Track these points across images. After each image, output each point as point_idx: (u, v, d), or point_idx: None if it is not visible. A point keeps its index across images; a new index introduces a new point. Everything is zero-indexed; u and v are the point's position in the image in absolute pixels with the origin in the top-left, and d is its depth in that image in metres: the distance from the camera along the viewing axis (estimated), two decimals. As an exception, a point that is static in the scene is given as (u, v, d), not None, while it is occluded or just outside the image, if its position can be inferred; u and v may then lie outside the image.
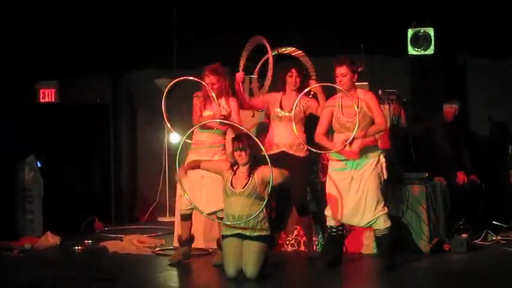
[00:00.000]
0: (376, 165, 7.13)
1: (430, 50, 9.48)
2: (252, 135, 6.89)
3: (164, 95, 7.28)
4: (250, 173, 6.81)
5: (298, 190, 7.70)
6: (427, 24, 9.48)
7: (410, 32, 9.52)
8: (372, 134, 7.13)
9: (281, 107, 7.71)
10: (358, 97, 7.14)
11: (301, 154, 7.65)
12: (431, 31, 9.46)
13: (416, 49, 9.54)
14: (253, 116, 8.40)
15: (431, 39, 9.46)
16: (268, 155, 7.14)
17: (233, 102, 7.50)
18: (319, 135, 7.27)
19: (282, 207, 8.03)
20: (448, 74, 9.78)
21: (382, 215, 7.14)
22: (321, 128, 7.29)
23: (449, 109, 8.96)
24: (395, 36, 9.79)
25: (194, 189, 7.33)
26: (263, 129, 8.14)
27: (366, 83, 8.29)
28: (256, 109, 8.17)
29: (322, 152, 7.40)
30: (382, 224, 7.15)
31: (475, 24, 9.74)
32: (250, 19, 10.28)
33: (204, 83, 7.35)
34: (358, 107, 7.00)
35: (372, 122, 7.12)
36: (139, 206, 10.78)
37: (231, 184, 6.83)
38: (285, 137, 7.65)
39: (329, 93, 7.49)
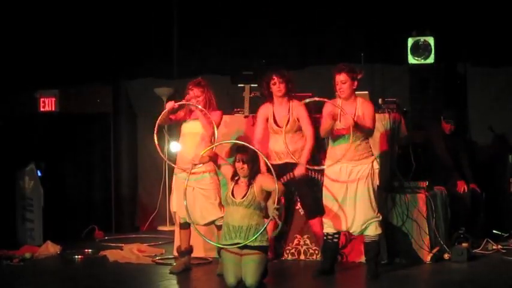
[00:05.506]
0: (369, 171, 7.15)
1: (430, 59, 9.49)
2: (256, 149, 6.85)
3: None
4: (249, 184, 6.79)
5: (303, 195, 7.78)
6: (427, 33, 9.49)
7: (410, 41, 9.53)
8: (360, 129, 7.07)
9: (274, 120, 7.72)
10: (357, 105, 7.16)
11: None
12: (431, 40, 9.47)
13: (416, 58, 9.55)
14: (246, 117, 8.36)
15: (431, 48, 9.47)
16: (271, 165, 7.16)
17: (215, 115, 7.46)
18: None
19: (284, 216, 8.02)
20: (448, 83, 9.78)
21: (375, 222, 7.16)
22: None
23: (445, 124, 9.00)
24: (395, 45, 9.81)
25: (187, 201, 7.35)
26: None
27: (366, 92, 8.29)
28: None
29: (316, 168, 7.42)
30: (373, 230, 7.17)
31: (475, 33, 9.75)
32: (250, 27, 10.32)
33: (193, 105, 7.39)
34: (355, 115, 7.01)
35: (365, 136, 7.16)
36: (140, 215, 10.77)
37: (232, 193, 6.81)
38: (285, 146, 7.62)
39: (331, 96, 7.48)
